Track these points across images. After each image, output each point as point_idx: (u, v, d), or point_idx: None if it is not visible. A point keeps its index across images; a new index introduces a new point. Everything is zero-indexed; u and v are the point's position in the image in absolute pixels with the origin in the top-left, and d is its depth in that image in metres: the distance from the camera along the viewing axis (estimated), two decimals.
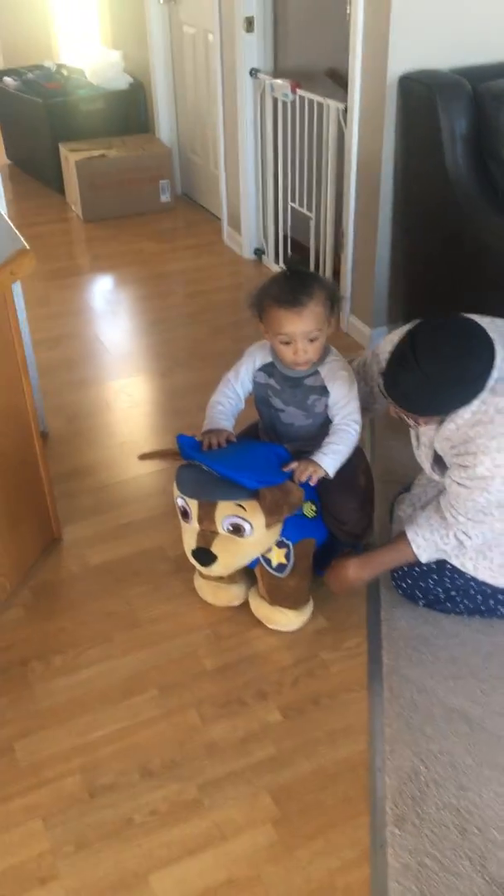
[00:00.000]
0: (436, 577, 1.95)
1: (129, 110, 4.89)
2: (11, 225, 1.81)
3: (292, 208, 3.62)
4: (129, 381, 3.07)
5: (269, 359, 1.91)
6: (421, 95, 2.61)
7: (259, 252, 4.00)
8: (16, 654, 1.96)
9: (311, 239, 3.48)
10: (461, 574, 1.92)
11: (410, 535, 1.85)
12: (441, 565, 1.93)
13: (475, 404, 1.67)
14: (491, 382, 1.64)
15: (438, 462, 1.88)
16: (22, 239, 1.73)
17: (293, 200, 3.59)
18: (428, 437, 1.86)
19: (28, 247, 1.70)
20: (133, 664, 1.93)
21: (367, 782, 1.66)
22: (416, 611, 2.02)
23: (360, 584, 1.98)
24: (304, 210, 3.50)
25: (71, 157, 4.43)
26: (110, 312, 3.62)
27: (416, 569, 1.96)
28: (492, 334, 1.67)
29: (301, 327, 1.74)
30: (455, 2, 2.63)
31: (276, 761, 1.71)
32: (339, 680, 1.88)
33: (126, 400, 2.94)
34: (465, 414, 1.69)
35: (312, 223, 3.45)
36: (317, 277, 1.84)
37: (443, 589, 1.97)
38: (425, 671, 1.88)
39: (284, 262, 3.75)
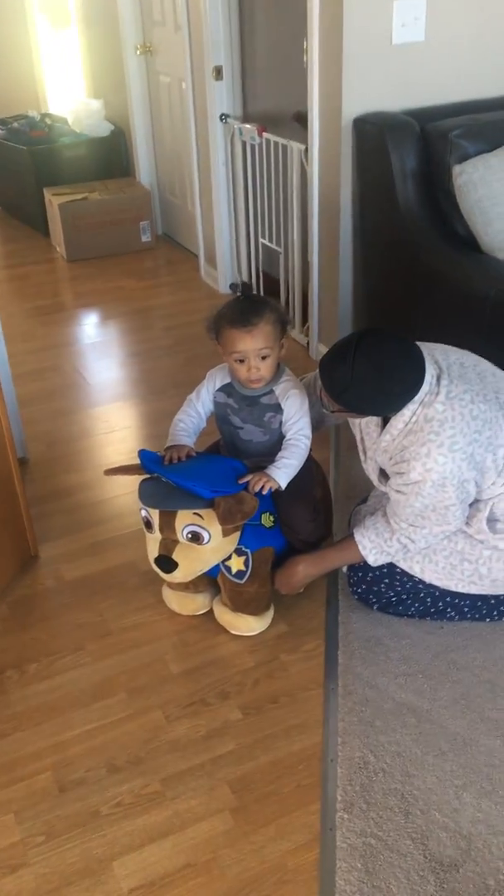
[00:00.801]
0: (387, 580, 2.07)
1: (111, 155, 5.11)
2: None
3: (263, 244, 3.80)
4: (107, 409, 3.21)
5: (227, 380, 2.05)
6: (373, 135, 2.80)
7: (234, 286, 4.17)
8: None
9: (281, 272, 3.65)
10: (410, 577, 2.05)
11: (357, 536, 1.98)
12: (392, 569, 2.05)
13: (406, 414, 1.81)
14: (420, 396, 1.78)
15: (384, 474, 2.01)
16: None
17: (263, 237, 3.77)
18: (372, 451, 2.00)
19: None
20: (103, 670, 2.04)
21: (320, 772, 1.77)
22: (371, 614, 2.14)
23: (308, 580, 2.12)
24: (274, 245, 3.68)
25: (55, 201, 4.63)
26: (91, 346, 3.78)
27: (370, 574, 2.08)
28: (435, 356, 1.83)
29: (252, 345, 1.88)
30: (402, 49, 2.83)
31: (236, 755, 1.81)
32: (297, 680, 1.99)
33: (103, 426, 3.09)
34: (398, 424, 1.82)
35: (282, 258, 3.63)
36: (266, 301, 1.98)
37: (394, 592, 2.09)
38: (378, 669, 1.99)
39: (242, 291, 3.92)
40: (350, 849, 1.61)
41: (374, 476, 2.05)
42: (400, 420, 1.82)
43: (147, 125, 4.84)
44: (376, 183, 2.85)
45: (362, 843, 1.62)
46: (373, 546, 1.96)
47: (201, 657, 2.07)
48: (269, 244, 3.73)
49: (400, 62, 2.84)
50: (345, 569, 2.18)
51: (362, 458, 2.09)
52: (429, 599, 2.08)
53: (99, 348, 3.76)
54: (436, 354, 1.87)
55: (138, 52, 4.58)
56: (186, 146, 4.29)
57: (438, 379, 1.81)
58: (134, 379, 3.44)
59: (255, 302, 1.95)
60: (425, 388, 1.79)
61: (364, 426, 2.01)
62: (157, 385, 3.37)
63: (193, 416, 2.09)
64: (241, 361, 1.92)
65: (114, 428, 3.10)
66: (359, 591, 2.14)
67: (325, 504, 2.20)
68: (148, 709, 1.94)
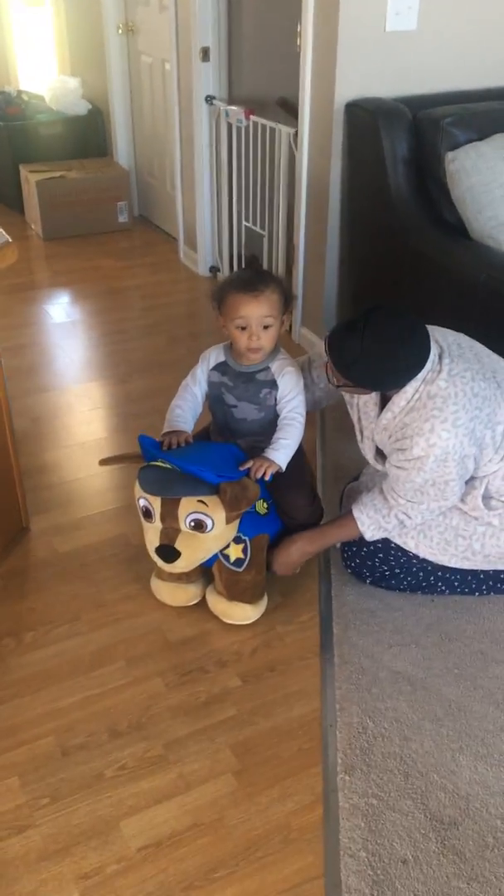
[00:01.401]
0: (381, 555, 2.12)
1: (88, 134, 5.07)
2: None
3: (246, 227, 3.82)
4: (90, 386, 3.21)
5: (222, 357, 2.04)
6: (365, 121, 2.83)
7: (214, 269, 4.18)
8: None
9: (264, 256, 3.68)
10: (404, 552, 2.10)
11: (356, 513, 2.02)
12: (386, 544, 2.10)
13: (409, 392, 1.84)
14: (423, 374, 1.83)
15: (380, 453, 2.06)
16: (3, 233, 1.88)
17: (247, 220, 3.79)
18: (369, 430, 2.03)
19: (10, 240, 1.84)
20: (100, 639, 2.05)
21: (320, 737, 1.81)
22: (364, 588, 2.18)
23: (305, 558, 2.15)
24: (258, 228, 3.70)
25: (31, 178, 4.58)
26: (70, 324, 3.76)
27: (364, 549, 2.13)
28: (435, 336, 1.88)
29: (257, 311, 1.88)
30: (396, 37, 2.87)
31: (236, 720, 1.85)
32: (293, 649, 2.03)
33: (87, 403, 3.08)
34: (400, 402, 1.86)
35: (265, 241, 3.65)
36: (273, 274, 2.01)
37: (388, 567, 2.14)
38: (372, 640, 2.04)
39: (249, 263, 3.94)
40: (352, 809, 1.65)
41: (370, 455, 2.09)
42: (402, 398, 1.86)
43: (126, 105, 4.82)
44: (367, 168, 2.89)
45: (364, 804, 1.66)
46: (371, 522, 2.00)
47: (198, 627, 2.09)
48: (252, 227, 3.75)
49: (393, 49, 2.89)
50: (338, 544, 2.22)
51: (358, 437, 2.12)
52: (421, 574, 2.13)
53: (78, 326, 3.74)
54: (435, 334, 1.92)
55: (120, 32, 4.55)
56: (168, 127, 4.28)
57: (440, 357, 1.85)
58: (115, 357, 3.44)
59: (261, 272, 1.98)
60: (428, 365, 1.84)
61: (362, 406, 2.05)
62: (138, 364, 3.37)
63: (190, 401, 2.06)
64: (243, 329, 1.91)
65: (97, 405, 3.09)
66: (352, 565, 2.18)
67: (314, 485, 2.23)
68: (147, 676, 1.95)
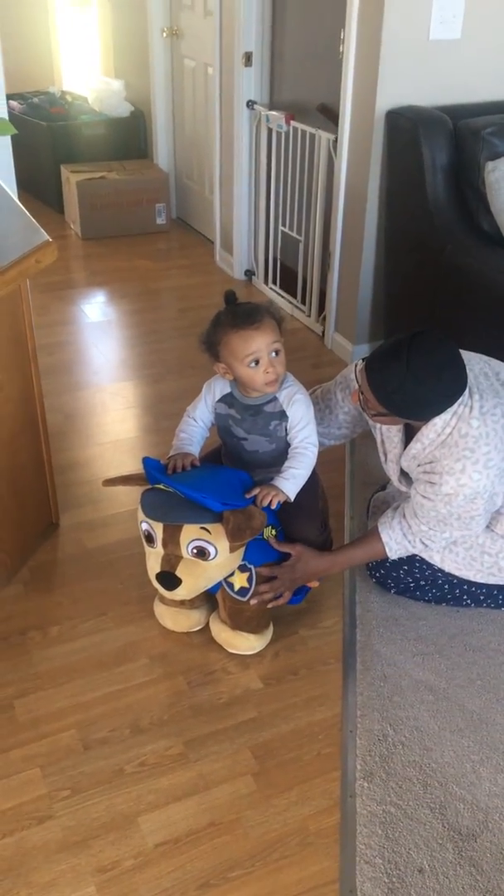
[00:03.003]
0: (406, 567, 2.12)
1: (129, 137, 5.12)
2: (34, 221, 1.98)
3: (282, 232, 3.83)
4: (124, 385, 3.24)
5: (227, 389, 1.95)
6: (406, 129, 2.83)
7: (249, 273, 4.20)
8: (15, 625, 2.10)
9: (300, 261, 3.69)
10: (430, 565, 2.09)
11: (385, 536, 1.99)
12: (411, 557, 2.08)
13: (439, 425, 1.81)
14: (457, 407, 1.80)
15: (405, 476, 2.04)
16: (44, 232, 1.91)
17: (283, 225, 3.81)
18: (395, 455, 2.01)
19: (50, 239, 1.87)
20: (125, 636, 2.07)
21: (340, 742, 1.81)
22: (388, 596, 2.18)
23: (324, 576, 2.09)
24: (294, 234, 3.72)
25: (72, 178, 4.63)
26: (106, 323, 3.80)
27: (389, 559, 2.12)
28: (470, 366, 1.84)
29: (265, 340, 1.80)
30: (440, 45, 2.87)
31: (257, 722, 1.85)
32: (316, 654, 2.04)
33: (120, 402, 3.11)
34: (430, 434, 1.82)
35: (301, 246, 3.66)
36: (256, 303, 1.91)
37: (412, 578, 2.13)
38: (395, 648, 2.04)
39: (273, 282, 3.96)
40: (370, 815, 1.65)
41: (394, 477, 2.07)
42: (431, 430, 1.82)
43: (168, 108, 4.85)
44: (406, 176, 2.89)
45: (382, 811, 1.66)
46: (398, 546, 1.99)
47: None
48: (289, 232, 3.77)
49: (436, 58, 2.89)
50: None
51: (382, 458, 2.09)
52: (446, 586, 2.12)
53: (113, 326, 3.78)
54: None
55: (164, 35, 4.59)
56: (208, 131, 4.31)
57: (470, 391, 1.82)
58: (149, 358, 3.46)
59: (248, 304, 1.88)
60: (465, 399, 1.81)
61: (385, 432, 2.01)
62: (172, 365, 3.39)
63: (195, 427, 2.01)
64: (256, 363, 1.82)
65: (130, 404, 3.12)
66: (377, 574, 2.18)
67: (326, 514, 2.16)
68: (170, 674, 1.97)
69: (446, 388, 1.74)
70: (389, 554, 2.01)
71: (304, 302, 3.73)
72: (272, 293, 3.98)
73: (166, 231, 4.85)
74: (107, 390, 3.20)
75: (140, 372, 3.36)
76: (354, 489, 2.61)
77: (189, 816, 1.66)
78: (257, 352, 1.81)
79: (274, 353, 1.84)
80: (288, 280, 3.90)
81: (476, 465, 1.79)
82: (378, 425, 2.02)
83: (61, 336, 3.62)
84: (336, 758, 1.78)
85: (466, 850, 1.59)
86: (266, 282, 4.04)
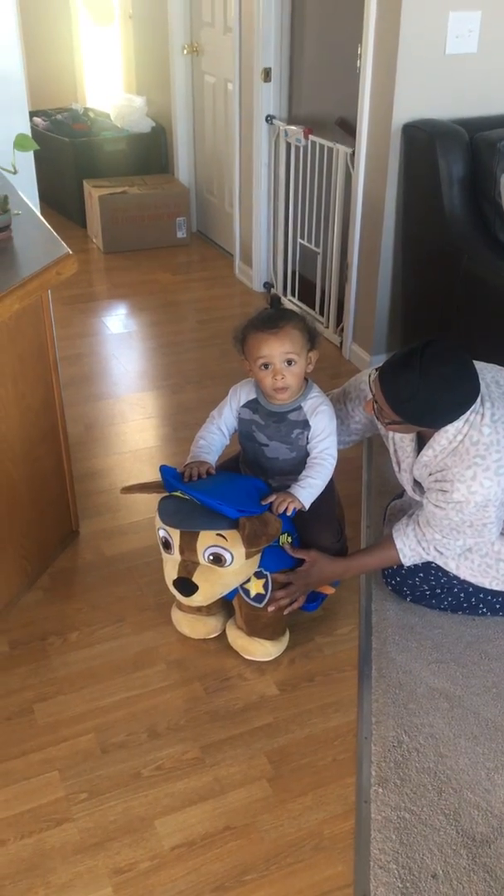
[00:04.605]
0: (422, 574, 2.13)
1: (151, 152, 5.19)
2: (55, 234, 2.03)
3: (301, 244, 3.87)
4: (144, 396, 3.28)
5: (253, 395, 1.98)
6: (422, 142, 2.86)
7: (268, 285, 4.24)
8: (35, 630, 2.13)
9: (318, 272, 3.72)
10: (445, 573, 2.10)
11: (399, 543, 2.01)
12: (427, 565, 2.10)
13: (451, 432, 1.82)
14: (469, 415, 1.81)
15: (418, 485, 2.05)
16: (65, 245, 1.95)
17: (302, 237, 3.84)
18: (408, 464, 2.03)
19: (71, 252, 1.92)
20: (143, 642, 2.10)
21: (355, 748, 1.82)
22: (404, 604, 2.19)
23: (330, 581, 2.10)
24: (312, 246, 3.75)
25: (94, 193, 4.71)
26: (126, 335, 3.85)
27: (405, 567, 2.13)
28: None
29: (278, 348, 1.83)
30: (456, 59, 2.90)
31: (273, 728, 1.87)
32: (331, 661, 2.05)
33: (140, 412, 3.15)
34: (442, 441, 1.84)
35: (319, 258, 3.70)
36: (295, 312, 1.96)
37: (428, 586, 2.14)
38: (411, 655, 2.05)
39: (292, 293, 4.00)
40: (385, 821, 1.66)
41: (408, 486, 2.09)
42: (443, 437, 1.84)
43: (189, 124, 4.92)
44: (422, 188, 2.92)
45: (397, 817, 1.67)
46: (412, 553, 2.01)
47: None
48: (307, 244, 3.80)
49: (452, 72, 2.92)
50: None
51: (396, 468, 2.11)
52: (462, 595, 2.13)
53: (134, 337, 3.83)
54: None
55: (185, 52, 4.66)
56: (228, 146, 4.37)
57: (482, 399, 1.83)
58: (169, 369, 3.51)
59: (282, 310, 1.94)
60: (476, 407, 1.82)
61: (398, 441, 2.03)
62: (192, 375, 3.43)
63: (216, 434, 2.02)
64: (266, 367, 1.86)
65: (150, 414, 3.16)
66: (393, 582, 2.19)
67: (342, 522, 2.18)
68: (187, 680, 1.99)
69: (459, 395, 1.76)
70: (403, 560, 2.02)
71: (321, 313, 3.76)
72: (290, 304, 4.01)
73: (186, 244, 4.91)
74: (126, 401, 3.24)
75: (159, 383, 3.40)
76: (371, 498, 2.62)
77: (205, 820, 1.68)
78: (268, 356, 1.85)
79: (286, 363, 1.86)
80: (306, 292, 3.93)
81: (487, 472, 1.80)
82: (391, 435, 2.04)
83: (83, 347, 3.67)
84: (351, 763, 1.80)
85: (481, 856, 1.60)
86: (284, 293, 4.07)
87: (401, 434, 2.00)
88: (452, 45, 2.88)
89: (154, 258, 4.72)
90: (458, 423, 1.82)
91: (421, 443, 1.97)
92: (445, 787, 1.73)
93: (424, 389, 1.73)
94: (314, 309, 3.83)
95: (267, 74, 3.81)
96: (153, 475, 2.73)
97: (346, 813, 1.70)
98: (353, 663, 2.04)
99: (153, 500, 2.62)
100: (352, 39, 3.22)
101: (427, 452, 1.90)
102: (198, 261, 4.76)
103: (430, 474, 1.92)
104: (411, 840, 1.63)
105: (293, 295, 4.01)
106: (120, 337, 3.83)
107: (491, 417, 1.81)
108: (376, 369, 1.85)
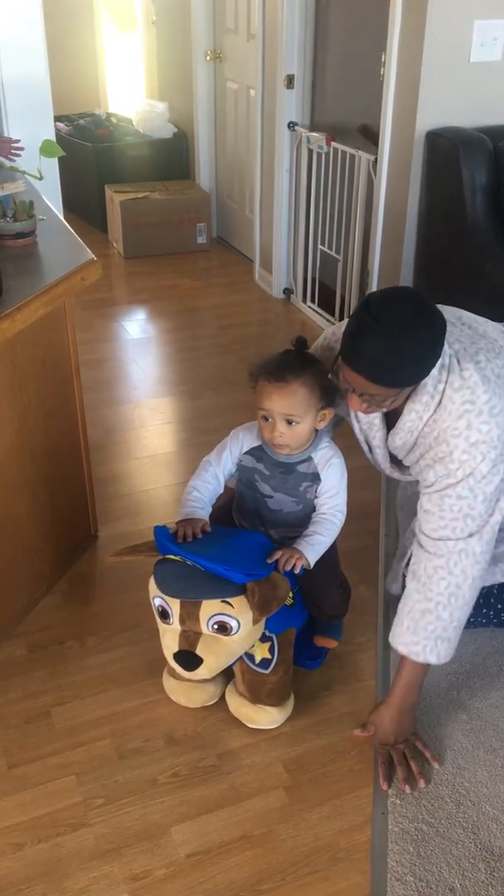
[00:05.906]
0: None
1: (172, 157, 5.21)
2: (79, 239, 2.04)
3: (321, 251, 3.87)
4: (162, 401, 3.29)
5: (257, 442, 1.82)
6: (445, 150, 2.86)
7: (288, 291, 4.24)
8: (53, 634, 2.13)
9: (338, 279, 3.72)
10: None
11: (402, 650, 1.78)
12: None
13: (429, 385, 1.63)
14: (443, 359, 1.61)
15: (396, 462, 1.88)
16: (89, 251, 1.96)
17: (322, 244, 3.84)
18: (380, 438, 1.82)
19: (95, 257, 1.93)
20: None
21: (372, 758, 1.81)
22: None
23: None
24: (333, 253, 3.75)
25: (116, 198, 4.73)
26: (146, 340, 3.86)
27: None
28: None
29: (279, 405, 1.68)
30: (480, 67, 2.89)
31: (290, 737, 1.86)
32: (350, 670, 2.04)
33: (159, 417, 3.16)
34: (423, 398, 1.65)
35: (340, 265, 3.69)
36: (313, 363, 1.72)
37: None
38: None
39: (311, 300, 3.99)
40: (402, 833, 1.65)
41: (385, 464, 1.90)
42: (423, 392, 1.64)
43: (210, 130, 4.94)
44: (445, 196, 2.91)
45: (414, 829, 1.66)
46: (431, 644, 1.75)
47: None
48: (327, 251, 3.80)
49: (476, 80, 2.91)
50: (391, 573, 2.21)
51: (366, 449, 1.91)
52: (491, 613, 2.09)
53: (154, 342, 3.84)
54: None
55: (208, 59, 4.68)
56: (250, 152, 4.38)
57: (448, 342, 1.64)
58: (188, 374, 3.51)
59: (301, 358, 1.72)
60: (446, 347, 1.62)
61: (367, 428, 1.85)
62: (210, 381, 3.44)
63: (210, 483, 1.85)
64: (266, 420, 1.72)
65: (168, 419, 3.17)
66: None
67: (340, 568, 2.04)
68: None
69: (433, 325, 1.54)
70: (428, 659, 1.77)
71: (341, 320, 3.74)
72: (310, 311, 4.01)
73: (207, 250, 4.92)
74: (146, 405, 3.25)
75: (178, 388, 3.40)
76: (389, 507, 2.61)
77: (221, 828, 1.67)
78: (269, 411, 1.70)
79: (286, 422, 1.70)
80: (326, 298, 3.93)
81: (481, 415, 1.62)
82: (355, 419, 1.84)
83: (103, 352, 3.69)
84: (368, 774, 1.78)
85: (499, 869, 1.58)
86: (304, 300, 4.07)
87: (367, 419, 1.80)
88: (477, 52, 2.87)
89: (174, 263, 4.73)
90: (434, 372, 1.61)
91: (390, 419, 1.78)
92: (464, 799, 1.72)
93: (394, 341, 1.50)
94: (334, 315, 3.83)
95: (290, 81, 3.81)
96: (171, 480, 2.75)
97: (362, 824, 1.69)
98: (372, 673, 2.03)
99: (174, 505, 2.62)
100: (375, 47, 3.22)
101: (410, 417, 1.68)
102: (218, 266, 4.77)
103: (421, 456, 1.72)
104: (429, 852, 1.62)
105: (312, 301, 4.01)
106: (139, 342, 3.84)
107: (472, 358, 1.64)
108: (337, 359, 1.63)
